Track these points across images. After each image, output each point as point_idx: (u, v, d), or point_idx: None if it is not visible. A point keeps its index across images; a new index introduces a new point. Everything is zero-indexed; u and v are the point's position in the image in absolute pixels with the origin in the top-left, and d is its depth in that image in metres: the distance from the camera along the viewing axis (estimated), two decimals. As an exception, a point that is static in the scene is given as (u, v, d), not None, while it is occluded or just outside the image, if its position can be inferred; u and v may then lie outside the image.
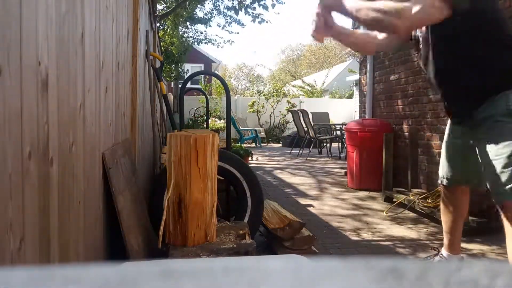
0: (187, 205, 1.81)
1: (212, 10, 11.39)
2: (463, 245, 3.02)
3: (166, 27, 10.96)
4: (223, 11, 11.28)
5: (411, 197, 4.00)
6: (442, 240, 3.14)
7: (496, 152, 1.76)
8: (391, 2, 1.65)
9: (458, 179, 2.17)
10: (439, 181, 2.26)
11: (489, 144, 1.78)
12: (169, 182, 1.86)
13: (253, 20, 10.15)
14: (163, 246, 1.82)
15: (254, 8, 9.86)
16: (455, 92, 1.94)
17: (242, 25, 11.97)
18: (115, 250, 1.81)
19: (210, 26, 11.49)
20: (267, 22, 10.26)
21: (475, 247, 2.98)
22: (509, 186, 1.74)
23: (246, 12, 10.03)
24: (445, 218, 2.27)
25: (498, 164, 1.76)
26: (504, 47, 1.78)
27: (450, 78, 1.92)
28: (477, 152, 1.88)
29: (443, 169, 2.20)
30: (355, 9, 1.69)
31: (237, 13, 10.46)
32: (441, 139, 4.46)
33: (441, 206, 2.30)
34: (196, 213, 1.81)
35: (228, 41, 12.80)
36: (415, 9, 1.59)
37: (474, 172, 2.02)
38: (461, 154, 2.09)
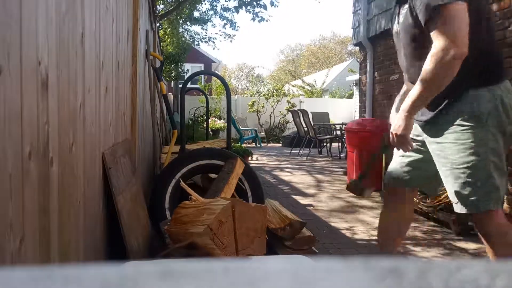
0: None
1: (208, 11, 11.42)
2: (463, 245, 3.02)
3: (166, 27, 10.96)
4: (220, 12, 11.30)
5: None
6: (440, 239, 3.14)
7: (458, 161, 1.62)
8: (426, 66, 1.54)
9: (408, 181, 1.93)
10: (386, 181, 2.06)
11: (449, 151, 1.64)
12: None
13: (253, 19, 10.18)
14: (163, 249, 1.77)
15: (254, 7, 9.90)
16: None
17: (236, 28, 11.99)
18: (115, 250, 1.81)
19: (212, 26, 11.54)
20: (267, 20, 10.31)
21: (475, 247, 2.98)
22: (473, 198, 1.61)
23: (247, 10, 10.06)
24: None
25: (461, 174, 1.62)
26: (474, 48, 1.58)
27: (414, 77, 1.71)
28: (436, 158, 1.72)
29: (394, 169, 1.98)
30: (417, 101, 1.59)
31: (237, 11, 10.50)
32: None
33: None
34: None
35: (229, 36, 12.79)
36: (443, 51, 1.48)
37: (428, 176, 1.87)
38: (419, 156, 1.87)
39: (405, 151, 1.76)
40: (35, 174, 0.82)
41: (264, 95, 14.99)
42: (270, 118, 14.71)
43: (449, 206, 3.61)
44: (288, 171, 6.88)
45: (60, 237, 1.01)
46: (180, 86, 5.23)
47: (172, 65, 11.85)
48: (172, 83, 13.31)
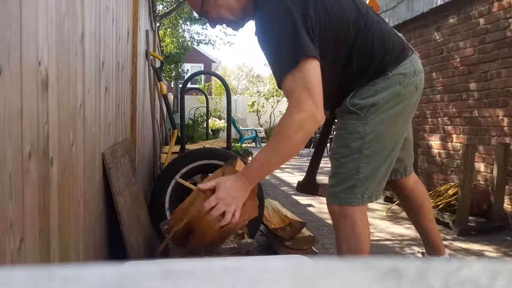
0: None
1: None
2: (463, 245, 3.02)
3: (166, 27, 10.97)
4: None
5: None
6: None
7: (334, 151, 1.63)
8: (282, 125, 1.35)
9: None
10: None
11: (334, 139, 1.64)
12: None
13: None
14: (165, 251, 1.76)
15: None
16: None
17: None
18: (115, 250, 1.81)
19: (210, 27, 11.63)
20: None
21: (475, 247, 2.98)
22: (331, 189, 1.61)
23: None
24: None
25: (332, 163, 1.63)
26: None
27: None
28: None
29: None
30: (270, 163, 1.38)
31: None
32: (441, 139, 4.47)
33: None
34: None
35: (228, 42, 12.85)
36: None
37: None
38: None
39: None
40: (35, 174, 0.82)
41: (264, 95, 15.00)
42: (270, 118, 14.71)
43: (449, 206, 3.61)
44: (288, 171, 6.88)
45: (60, 237, 1.01)
46: (180, 86, 5.23)
47: (172, 65, 11.85)
48: (172, 83, 13.32)
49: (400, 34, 1.67)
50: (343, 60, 1.52)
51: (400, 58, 1.53)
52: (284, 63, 1.34)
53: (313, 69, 1.32)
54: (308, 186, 2.57)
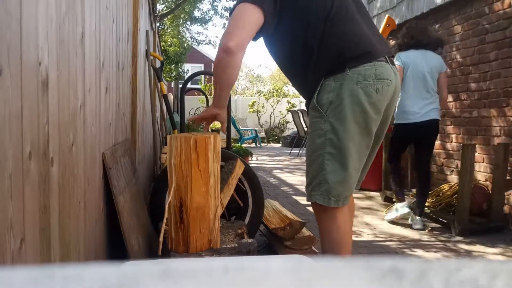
0: (188, 210, 1.72)
1: (209, 11, 11.45)
2: (463, 245, 3.02)
3: (166, 27, 10.97)
4: (221, 12, 11.34)
5: (411, 197, 4.00)
6: (440, 240, 3.14)
7: (307, 148, 1.68)
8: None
9: None
10: None
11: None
12: (170, 185, 1.79)
13: None
14: (165, 253, 1.77)
15: None
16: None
17: None
18: (115, 250, 1.81)
19: (213, 25, 11.64)
20: None
21: (475, 247, 2.98)
22: (307, 188, 1.66)
23: None
24: None
25: (307, 161, 1.67)
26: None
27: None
28: None
29: None
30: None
31: None
32: (441, 139, 4.47)
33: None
34: (198, 218, 1.73)
35: None
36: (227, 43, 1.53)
37: None
38: None
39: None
40: (35, 174, 0.82)
41: (264, 95, 15.00)
42: (270, 118, 14.71)
43: (449, 206, 3.61)
44: (288, 171, 6.88)
45: (60, 237, 1.01)
46: (180, 86, 5.24)
47: (172, 65, 11.85)
48: (172, 83, 13.31)
49: (382, 41, 1.71)
50: (311, 50, 1.59)
51: (362, 59, 1.56)
52: None
53: (250, 13, 1.53)
54: None
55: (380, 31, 1.84)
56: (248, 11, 1.52)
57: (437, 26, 4.56)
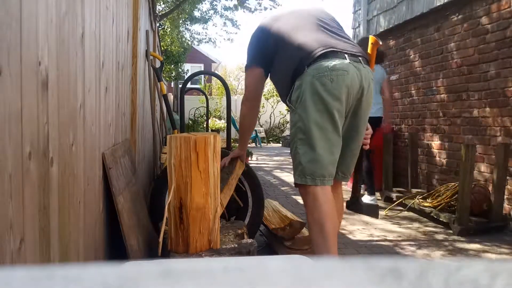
0: (188, 210, 1.72)
1: (208, 10, 11.47)
2: (463, 245, 3.02)
3: (166, 27, 10.98)
4: (221, 12, 11.37)
5: (411, 197, 4.01)
6: (440, 240, 3.14)
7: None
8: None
9: None
10: None
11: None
12: (170, 186, 1.78)
13: (253, 11, 10.46)
14: (165, 253, 1.76)
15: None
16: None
17: (238, 27, 12.14)
18: (115, 250, 1.81)
19: (214, 25, 11.74)
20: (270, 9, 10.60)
21: (475, 247, 2.98)
22: (296, 172, 1.87)
23: (243, 7, 10.27)
24: None
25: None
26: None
27: None
28: None
29: None
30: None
31: (237, 9, 10.67)
32: (441, 140, 4.47)
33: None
34: (198, 218, 1.73)
35: (228, 39, 12.89)
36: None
37: None
38: None
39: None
40: (35, 174, 0.82)
41: (264, 95, 15.00)
42: (270, 118, 14.71)
43: (449, 206, 3.61)
44: (288, 171, 6.88)
45: (60, 237, 1.01)
46: (180, 86, 5.24)
47: (172, 65, 11.85)
48: (172, 83, 13.31)
49: (345, 39, 1.95)
50: (285, 65, 1.94)
51: (319, 58, 1.81)
52: (246, 61, 2.12)
53: (251, 75, 2.08)
54: (351, 204, 2.87)
55: (368, 50, 2.14)
56: (249, 73, 2.09)
57: (437, 26, 4.56)
